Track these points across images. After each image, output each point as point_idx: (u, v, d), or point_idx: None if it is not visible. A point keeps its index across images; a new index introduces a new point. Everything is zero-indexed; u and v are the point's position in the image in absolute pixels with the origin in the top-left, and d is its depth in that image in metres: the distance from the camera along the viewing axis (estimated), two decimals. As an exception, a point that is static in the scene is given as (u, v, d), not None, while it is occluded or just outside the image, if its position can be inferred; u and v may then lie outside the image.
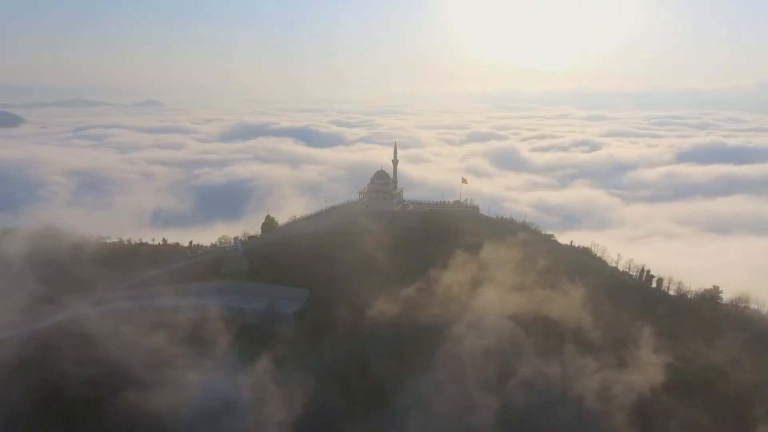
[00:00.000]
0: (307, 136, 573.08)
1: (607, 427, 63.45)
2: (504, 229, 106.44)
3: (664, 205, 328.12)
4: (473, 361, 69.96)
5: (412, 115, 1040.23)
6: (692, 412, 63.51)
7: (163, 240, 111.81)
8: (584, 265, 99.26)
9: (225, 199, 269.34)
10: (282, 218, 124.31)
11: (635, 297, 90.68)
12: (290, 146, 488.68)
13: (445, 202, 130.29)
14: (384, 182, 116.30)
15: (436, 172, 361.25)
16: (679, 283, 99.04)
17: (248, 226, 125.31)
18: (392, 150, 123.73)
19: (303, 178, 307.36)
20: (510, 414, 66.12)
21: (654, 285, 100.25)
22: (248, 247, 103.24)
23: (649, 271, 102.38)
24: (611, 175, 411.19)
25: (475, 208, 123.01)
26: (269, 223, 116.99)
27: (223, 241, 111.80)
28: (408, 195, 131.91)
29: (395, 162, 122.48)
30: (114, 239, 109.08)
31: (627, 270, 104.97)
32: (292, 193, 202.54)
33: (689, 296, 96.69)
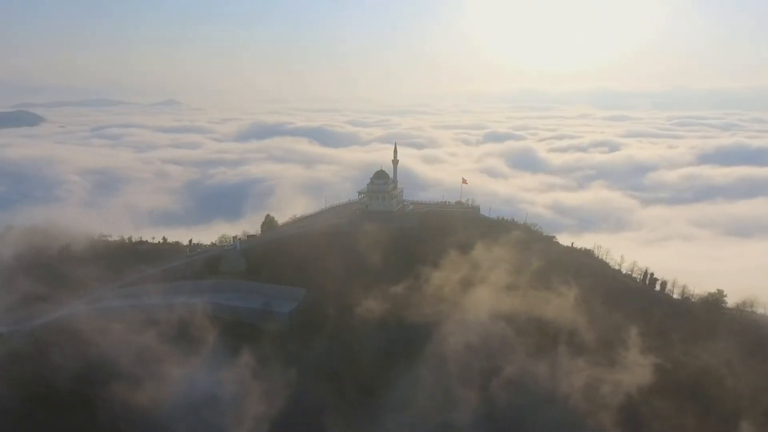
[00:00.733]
0: (322, 135, 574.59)
1: (594, 426, 63.15)
2: (503, 229, 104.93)
3: (684, 207, 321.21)
4: (459, 359, 70.18)
5: (430, 115, 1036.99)
6: (678, 415, 62.83)
7: (163, 238, 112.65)
8: (582, 266, 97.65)
9: (230, 199, 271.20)
10: (284, 218, 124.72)
11: (633, 299, 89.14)
12: (304, 146, 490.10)
13: (445, 202, 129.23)
14: (383, 182, 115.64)
15: (451, 173, 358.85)
16: (684, 287, 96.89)
17: (250, 226, 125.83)
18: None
19: (314, 178, 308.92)
20: (496, 412, 66.39)
21: (658, 288, 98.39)
22: (247, 246, 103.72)
23: (652, 274, 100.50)
24: (630, 177, 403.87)
25: (476, 209, 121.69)
26: (269, 223, 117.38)
27: (223, 240, 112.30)
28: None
29: (395, 162, 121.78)
30: (115, 237, 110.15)
31: (630, 273, 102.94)
32: (296, 192, 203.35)
33: (692, 300, 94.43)
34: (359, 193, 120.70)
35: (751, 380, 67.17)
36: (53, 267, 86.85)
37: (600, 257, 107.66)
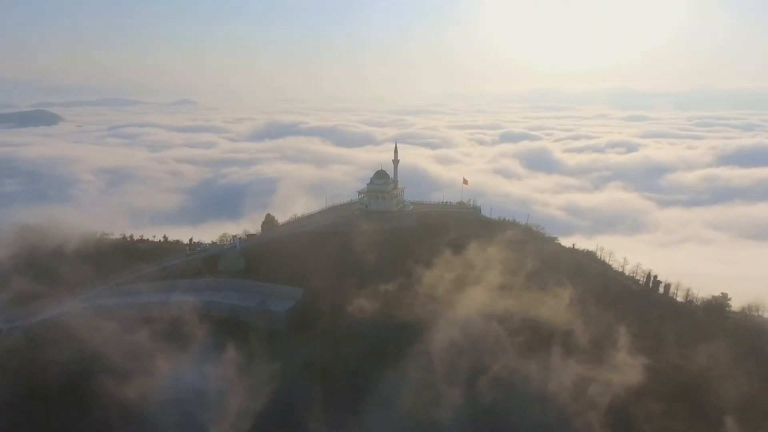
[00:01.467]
0: (336, 135, 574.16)
1: (581, 426, 62.89)
2: (502, 230, 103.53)
3: (701, 209, 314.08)
4: (447, 358, 70.44)
5: (445, 115, 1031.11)
6: (666, 416, 62.17)
7: (164, 237, 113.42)
8: (582, 268, 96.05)
9: (238, 198, 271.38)
10: (285, 217, 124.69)
11: (631, 301, 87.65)
12: (317, 146, 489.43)
13: (446, 202, 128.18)
14: (383, 182, 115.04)
15: (465, 173, 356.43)
16: (687, 290, 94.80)
17: (251, 224, 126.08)
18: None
19: (324, 177, 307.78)
20: (482, 410, 66.50)
21: (661, 291, 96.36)
22: (247, 245, 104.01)
23: (656, 277, 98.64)
24: (647, 178, 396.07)
25: (477, 210, 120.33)
26: (269, 222, 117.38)
27: (223, 238, 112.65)
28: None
29: (395, 162, 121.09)
30: (117, 236, 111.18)
31: (633, 275, 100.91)
32: (299, 191, 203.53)
33: (696, 303, 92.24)
34: (359, 192, 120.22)
35: (744, 383, 65.94)
36: (50, 265, 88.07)
37: (602, 259, 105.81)
